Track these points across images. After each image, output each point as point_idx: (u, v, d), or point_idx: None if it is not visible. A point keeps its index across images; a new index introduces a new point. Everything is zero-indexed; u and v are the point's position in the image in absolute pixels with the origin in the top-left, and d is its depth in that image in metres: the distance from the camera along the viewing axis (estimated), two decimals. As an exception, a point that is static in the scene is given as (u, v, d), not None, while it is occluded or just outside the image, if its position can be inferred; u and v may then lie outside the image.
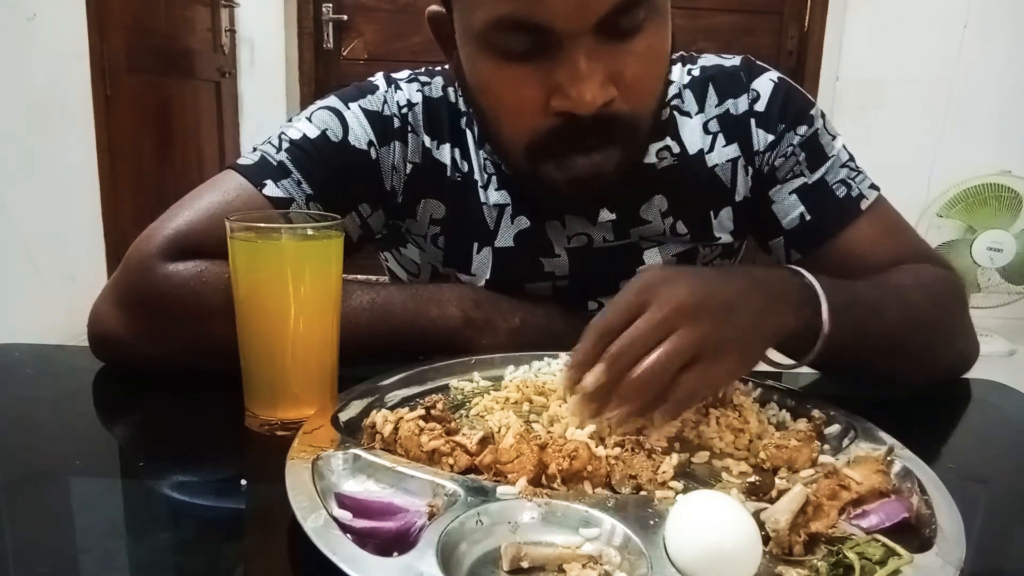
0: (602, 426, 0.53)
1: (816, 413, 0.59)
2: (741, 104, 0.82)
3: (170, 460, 0.57)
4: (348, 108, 0.78)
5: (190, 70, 2.87)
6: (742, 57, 0.85)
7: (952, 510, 0.45)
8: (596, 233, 0.82)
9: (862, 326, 0.63)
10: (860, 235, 0.79)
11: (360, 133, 0.78)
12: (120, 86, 2.43)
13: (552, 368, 0.66)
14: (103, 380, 0.71)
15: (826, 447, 0.55)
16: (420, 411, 0.52)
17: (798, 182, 0.81)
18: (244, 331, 0.60)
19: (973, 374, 0.76)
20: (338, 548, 0.39)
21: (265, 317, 0.59)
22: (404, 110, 0.80)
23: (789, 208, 0.82)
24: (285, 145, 0.75)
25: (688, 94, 0.83)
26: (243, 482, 0.51)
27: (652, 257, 0.84)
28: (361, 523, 0.43)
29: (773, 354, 0.62)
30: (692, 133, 0.83)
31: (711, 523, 0.40)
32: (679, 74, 0.84)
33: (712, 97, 0.83)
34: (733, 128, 0.82)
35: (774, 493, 0.45)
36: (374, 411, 0.53)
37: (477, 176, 0.82)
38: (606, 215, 0.80)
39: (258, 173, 0.73)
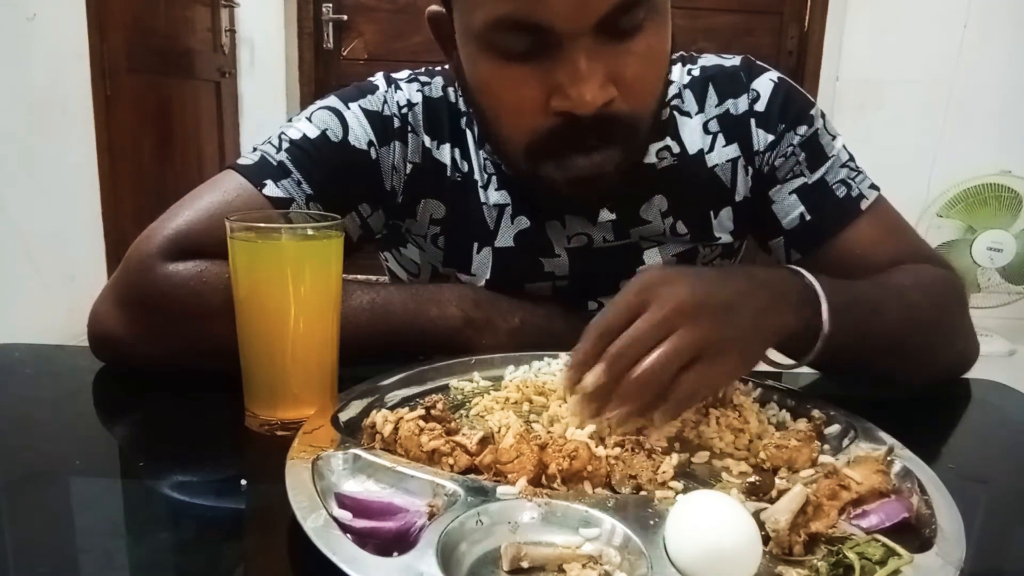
0: (602, 426, 0.52)
1: (816, 413, 0.59)
2: (741, 104, 0.82)
3: (170, 460, 0.57)
4: (348, 108, 0.78)
5: (190, 70, 2.87)
6: (742, 57, 0.85)
7: (952, 510, 0.45)
8: (596, 233, 0.82)
9: (862, 326, 0.63)
10: (860, 235, 0.79)
11: (360, 133, 0.78)
12: (120, 86, 2.44)
13: (552, 368, 0.66)
14: (103, 380, 0.71)
15: (826, 447, 0.55)
16: (420, 411, 0.52)
17: (798, 182, 0.81)
18: (244, 331, 0.60)
19: (973, 374, 0.76)
20: (338, 548, 0.39)
21: (265, 317, 0.59)
22: (404, 110, 0.80)
23: (789, 208, 0.82)
24: (285, 145, 0.75)
25: (688, 94, 0.83)
26: (243, 482, 0.51)
27: (652, 257, 0.84)
28: (361, 523, 0.43)
29: (773, 354, 0.62)
30: (692, 133, 0.83)
31: (711, 523, 0.40)
32: (679, 74, 0.84)
33: (712, 97, 0.83)
34: (733, 128, 0.82)
35: (774, 493, 0.45)
36: (374, 411, 0.53)
37: (477, 176, 0.82)
38: (606, 215, 0.80)
39: (258, 173, 0.73)
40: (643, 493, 0.47)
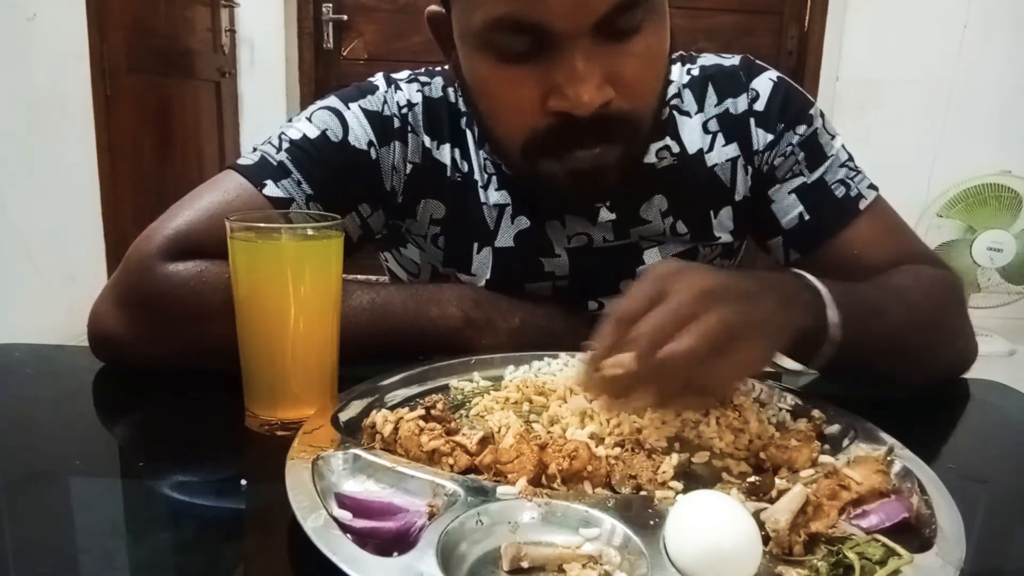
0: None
1: (816, 413, 0.59)
2: (740, 103, 0.82)
3: (170, 460, 0.57)
4: (348, 108, 0.78)
5: (190, 70, 2.87)
6: (741, 56, 0.85)
7: (952, 510, 0.45)
8: (596, 233, 0.82)
9: (865, 327, 0.63)
10: (858, 235, 0.79)
11: (360, 133, 0.78)
12: (120, 86, 2.43)
13: (552, 368, 0.67)
14: (103, 380, 0.71)
15: (826, 447, 0.55)
16: (420, 411, 0.52)
17: (797, 182, 0.81)
18: (244, 331, 0.60)
19: (973, 374, 0.76)
20: (338, 548, 0.39)
21: (265, 317, 0.59)
22: (404, 110, 0.80)
23: (788, 208, 0.82)
24: (285, 145, 0.75)
25: (687, 93, 0.83)
26: (243, 482, 0.51)
27: (652, 257, 0.84)
28: (361, 523, 0.43)
29: (780, 358, 0.62)
30: (691, 133, 0.83)
31: (711, 523, 0.40)
32: (678, 74, 0.84)
33: (711, 96, 0.83)
34: (732, 127, 0.82)
35: (774, 493, 0.45)
36: (374, 411, 0.53)
37: (477, 176, 0.82)
38: (606, 215, 0.80)
39: (258, 173, 0.73)
40: (643, 493, 0.47)
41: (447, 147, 0.81)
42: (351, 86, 0.81)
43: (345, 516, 0.44)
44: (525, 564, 0.40)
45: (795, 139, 0.81)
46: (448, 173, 0.81)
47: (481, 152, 0.82)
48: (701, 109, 0.83)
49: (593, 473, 0.48)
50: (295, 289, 0.59)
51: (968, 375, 0.76)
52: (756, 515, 0.42)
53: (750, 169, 0.83)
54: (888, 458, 0.51)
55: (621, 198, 0.80)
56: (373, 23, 3.15)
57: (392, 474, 0.48)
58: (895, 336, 0.67)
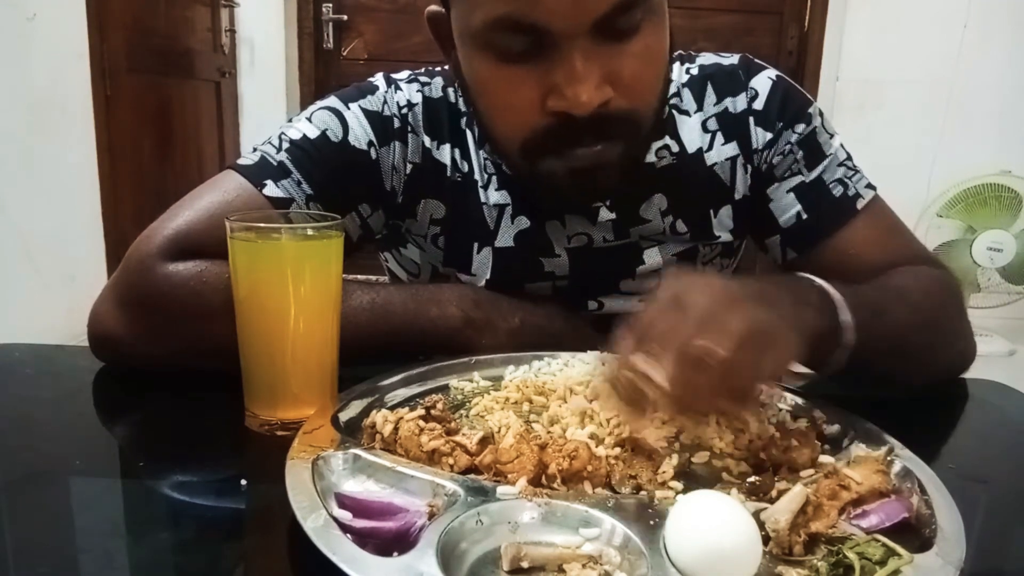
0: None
1: (816, 413, 0.59)
2: (740, 102, 0.82)
3: (170, 460, 0.57)
4: (348, 108, 0.78)
5: (190, 70, 2.87)
6: (740, 56, 0.85)
7: (952, 510, 0.45)
8: (596, 233, 0.82)
9: (871, 329, 0.63)
10: (856, 235, 0.79)
11: (360, 133, 0.78)
12: (120, 86, 2.43)
13: (552, 368, 0.67)
14: (103, 380, 0.71)
15: (826, 447, 0.55)
16: (420, 411, 0.52)
17: (796, 180, 0.81)
18: (244, 331, 0.60)
19: (973, 374, 0.76)
20: (338, 548, 0.39)
21: (265, 317, 0.59)
22: (404, 110, 0.80)
23: (786, 206, 0.82)
24: (285, 145, 0.75)
25: (686, 93, 0.84)
26: (243, 482, 0.51)
27: (652, 256, 0.84)
28: (361, 523, 0.43)
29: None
30: (691, 132, 0.83)
31: (711, 523, 0.40)
32: (677, 73, 0.84)
33: (711, 95, 0.83)
34: (732, 126, 0.83)
35: (774, 493, 0.45)
36: (374, 411, 0.53)
37: (477, 176, 0.82)
38: (606, 214, 0.80)
39: (258, 173, 0.73)
40: (643, 493, 0.47)
41: (447, 147, 0.81)
42: (351, 86, 0.81)
43: (345, 516, 0.44)
44: (525, 564, 0.40)
45: (794, 138, 0.81)
46: (448, 173, 0.81)
47: (481, 152, 0.82)
48: (700, 108, 0.83)
49: (593, 473, 0.48)
50: (295, 289, 0.59)
51: (968, 375, 0.76)
52: (756, 515, 0.42)
53: (749, 168, 0.83)
54: (888, 458, 0.51)
55: (621, 198, 0.80)
56: (373, 23, 3.15)
57: (392, 474, 0.48)
58: (897, 337, 0.67)
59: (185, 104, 2.88)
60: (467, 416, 0.60)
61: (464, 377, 0.66)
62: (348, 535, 0.41)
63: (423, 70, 0.84)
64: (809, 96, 0.84)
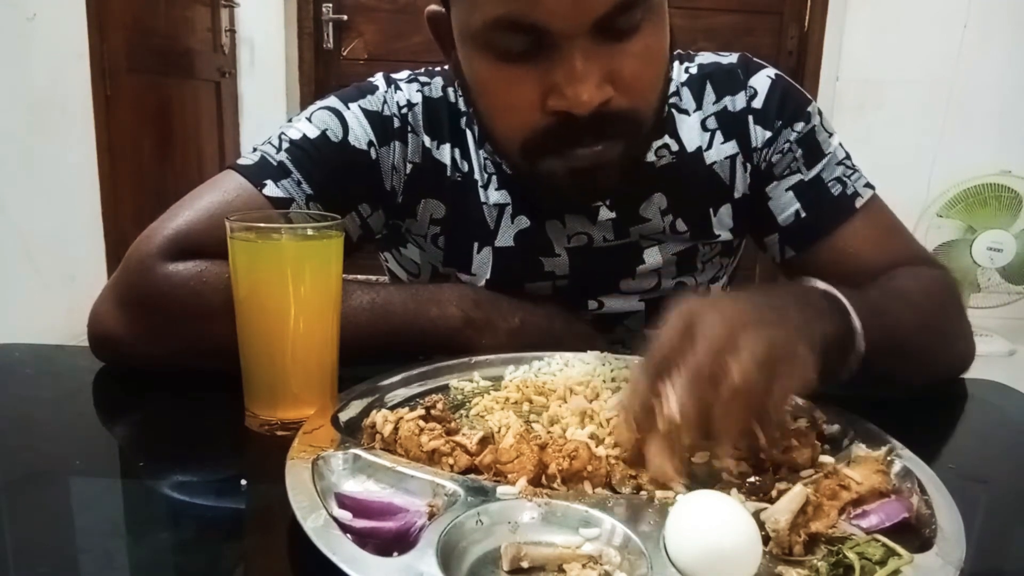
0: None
1: (816, 413, 0.59)
2: (739, 101, 0.82)
3: (170, 460, 0.57)
4: (348, 108, 0.78)
5: (190, 70, 2.87)
6: (739, 55, 0.86)
7: (952, 510, 0.45)
8: (596, 232, 0.82)
9: (875, 332, 0.63)
10: (854, 234, 0.79)
11: (360, 133, 0.78)
12: (120, 86, 2.43)
13: (552, 368, 0.66)
14: (103, 380, 0.71)
15: (826, 447, 0.55)
16: (420, 411, 0.52)
17: (795, 179, 0.81)
18: (244, 331, 0.60)
19: (973, 374, 0.76)
20: (338, 548, 0.39)
21: (265, 317, 0.59)
22: (404, 110, 0.80)
23: (785, 205, 0.82)
24: (285, 145, 0.75)
25: (686, 92, 0.84)
26: (243, 482, 0.51)
27: (652, 255, 0.84)
28: (361, 523, 0.43)
29: None
30: (690, 131, 0.83)
31: (711, 523, 0.40)
32: (676, 72, 0.84)
33: (710, 94, 0.83)
34: (731, 125, 0.83)
35: (774, 493, 0.45)
36: (374, 411, 0.53)
37: (477, 176, 0.82)
38: (606, 214, 0.80)
39: (258, 173, 0.73)
40: (643, 493, 0.47)
41: (447, 147, 0.81)
42: (351, 86, 0.81)
43: (345, 516, 0.44)
44: (525, 564, 0.40)
45: (793, 136, 0.81)
46: (448, 173, 0.81)
47: (481, 152, 0.82)
48: (699, 107, 0.83)
49: (593, 473, 0.48)
50: (295, 289, 0.59)
51: (968, 375, 0.76)
52: (756, 515, 0.42)
53: (749, 166, 0.83)
54: (888, 458, 0.51)
55: (621, 197, 0.80)
56: (373, 23, 3.15)
57: (392, 474, 0.48)
58: (898, 338, 0.66)
59: (185, 104, 2.88)
60: (467, 416, 0.60)
61: (464, 377, 0.66)
62: (348, 535, 0.41)
63: (423, 70, 0.84)
64: (808, 95, 0.84)
